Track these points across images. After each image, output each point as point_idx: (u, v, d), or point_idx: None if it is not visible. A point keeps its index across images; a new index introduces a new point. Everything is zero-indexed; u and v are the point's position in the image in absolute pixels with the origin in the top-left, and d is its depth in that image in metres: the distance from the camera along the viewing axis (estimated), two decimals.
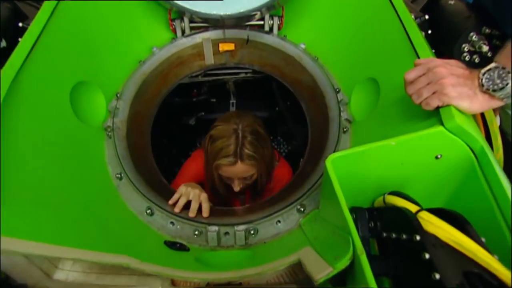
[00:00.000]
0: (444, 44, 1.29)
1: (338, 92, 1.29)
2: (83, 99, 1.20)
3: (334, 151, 1.17)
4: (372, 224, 0.80)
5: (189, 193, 1.08)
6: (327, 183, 0.81)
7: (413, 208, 0.72)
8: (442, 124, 0.76)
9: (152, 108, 1.40)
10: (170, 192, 1.22)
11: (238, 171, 1.14)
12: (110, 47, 1.34)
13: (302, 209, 1.08)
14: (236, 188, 1.22)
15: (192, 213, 1.05)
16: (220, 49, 1.42)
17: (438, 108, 0.78)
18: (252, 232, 1.05)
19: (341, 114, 1.24)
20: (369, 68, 1.21)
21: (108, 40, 1.34)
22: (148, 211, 1.08)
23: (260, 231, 1.07)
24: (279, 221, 1.08)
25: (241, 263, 1.01)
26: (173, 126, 2.23)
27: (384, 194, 0.85)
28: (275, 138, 2.31)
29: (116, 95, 1.29)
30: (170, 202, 1.07)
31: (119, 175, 1.14)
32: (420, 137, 0.78)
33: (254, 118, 1.23)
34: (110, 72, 1.32)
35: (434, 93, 0.74)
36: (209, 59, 1.49)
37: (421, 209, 0.71)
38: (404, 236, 0.66)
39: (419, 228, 0.63)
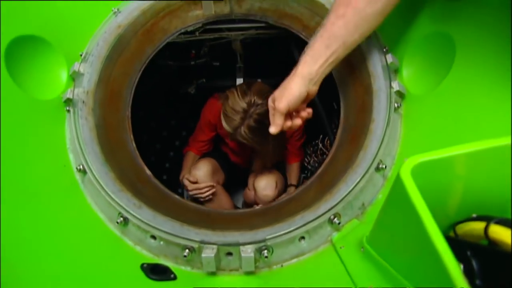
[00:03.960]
0: None
1: (386, 52, 0.92)
2: (27, 60, 0.86)
3: (383, 138, 0.82)
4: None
5: None
6: (400, 199, 0.49)
7: None
8: None
9: (132, 73, 1.06)
10: (156, 190, 0.91)
11: (235, 140, 1.20)
12: None
13: (336, 221, 0.76)
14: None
15: None
16: None
17: None
18: (265, 253, 0.74)
19: (392, 84, 0.88)
20: (438, 18, 0.83)
21: None
22: (120, 219, 0.78)
23: (276, 250, 0.76)
24: (303, 237, 0.77)
25: None
26: (170, 95, 1.89)
27: (476, 218, 0.54)
28: None
29: (80, 56, 0.95)
30: None
31: (80, 167, 0.82)
32: None
33: None
34: (71, 23, 0.96)
35: None
36: (208, 8, 1.12)
37: None
38: None
39: None
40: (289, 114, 0.83)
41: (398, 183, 0.47)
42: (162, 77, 1.72)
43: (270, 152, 1.34)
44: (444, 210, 0.57)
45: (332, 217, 0.76)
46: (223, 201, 1.40)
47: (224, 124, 1.17)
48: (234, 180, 1.65)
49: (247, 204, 1.66)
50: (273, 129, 0.81)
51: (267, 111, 1.09)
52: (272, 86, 1.65)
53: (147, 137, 1.98)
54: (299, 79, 0.76)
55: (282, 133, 1.27)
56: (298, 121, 0.83)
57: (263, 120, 1.13)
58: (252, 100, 1.13)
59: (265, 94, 1.15)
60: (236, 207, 1.85)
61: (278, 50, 1.58)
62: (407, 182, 0.45)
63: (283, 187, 1.51)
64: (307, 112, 0.85)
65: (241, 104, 1.12)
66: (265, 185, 1.36)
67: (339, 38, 0.73)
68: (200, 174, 1.34)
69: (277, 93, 0.79)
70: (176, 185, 2.04)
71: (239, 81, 1.67)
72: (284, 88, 0.78)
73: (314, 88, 0.80)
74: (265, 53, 1.65)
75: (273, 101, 0.79)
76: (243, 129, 1.14)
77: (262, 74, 1.69)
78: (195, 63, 1.52)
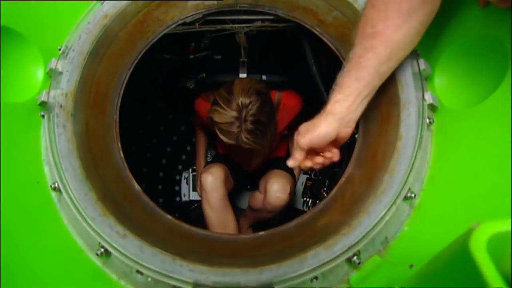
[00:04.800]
0: None
1: (417, 57, 0.78)
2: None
3: (413, 161, 0.70)
4: None
5: None
6: (464, 269, 0.37)
7: None
8: None
9: (121, 70, 0.92)
10: (144, 210, 0.79)
11: (240, 147, 1.13)
12: None
13: (356, 260, 0.64)
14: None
15: None
16: None
17: None
18: None
19: (425, 95, 0.75)
20: (489, 19, 0.69)
21: None
22: (100, 251, 0.66)
23: None
24: (316, 278, 0.65)
25: None
26: (167, 88, 1.76)
27: None
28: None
29: (59, 51, 0.81)
30: None
31: (55, 185, 0.70)
32: None
33: (262, 101, 1.10)
34: (48, 12, 0.82)
35: None
36: None
37: None
38: None
39: None
40: (314, 153, 0.74)
41: (465, 256, 0.35)
42: (159, 69, 1.58)
43: (270, 149, 1.28)
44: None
45: (351, 255, 0.65)
46: (228, 220, 1.31)
47: (223, 139, 1.09)
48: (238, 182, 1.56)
49: (251, 209, 1.57)
50: (290, 162, 0.72)
51: (259, 108, 1.08)
52: (279, 84, 1.52)
53: (143, 132, 1.86)
54: (329, 116, 0.68)
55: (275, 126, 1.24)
56: (318, 159, 0.73)
57: (259, 119, 1.08)
58: (240, 103, 1.06)
59: (250, 90, 1.09)
60: (239, 209, 1.75)
61: (287, 44, 1.43)
62: (482, 261, 0.33)
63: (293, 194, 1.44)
64: (331, 153, 0.73)
65: (230, 113, 1.05)
66: (278, 187, 1.31)
67: (370, 68, 0.65)
68: (211, 179, 1.29)
69: (303, 127, 0.71)
70: (173, 183, 1.93)
71: (243, 76, 1.53)
72: (313, 124, 0.69)
73: (346, 130, 0.70)
74: (273, 47, 1.50)
75: (297, 134, 0.71)
76: (243, 136, 1.08)
77: (268, 70, 1.55)
78: (195, 57, 1.38)
